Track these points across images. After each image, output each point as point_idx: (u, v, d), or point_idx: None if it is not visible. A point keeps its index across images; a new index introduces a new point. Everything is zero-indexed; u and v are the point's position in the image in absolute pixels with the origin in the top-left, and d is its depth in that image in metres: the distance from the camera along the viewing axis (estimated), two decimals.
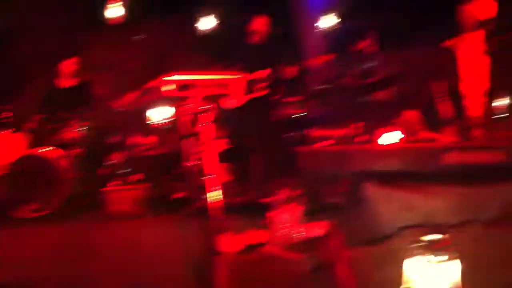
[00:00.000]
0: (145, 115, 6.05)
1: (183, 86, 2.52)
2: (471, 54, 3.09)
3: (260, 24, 5.54)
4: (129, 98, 4.35)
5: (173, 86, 2.48)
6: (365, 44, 7.09)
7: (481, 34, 3.00)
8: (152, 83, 2.54)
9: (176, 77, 2.49)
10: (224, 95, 4.37)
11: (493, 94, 3.16)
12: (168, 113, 5.78)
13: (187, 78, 2.51)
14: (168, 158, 5.69)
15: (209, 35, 7.97)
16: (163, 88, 2.45)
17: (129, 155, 5.87)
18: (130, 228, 4.32)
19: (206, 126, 2.75)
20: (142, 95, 2.77)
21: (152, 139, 6.05)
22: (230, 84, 2.71)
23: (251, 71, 5.29)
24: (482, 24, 2.98)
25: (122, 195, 5.00)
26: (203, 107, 2.67)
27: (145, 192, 5.09)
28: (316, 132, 2.72)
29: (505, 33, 3.07)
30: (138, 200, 4.98)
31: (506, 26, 3.05)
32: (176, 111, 5.66)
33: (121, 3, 7.58)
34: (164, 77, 2.47)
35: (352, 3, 7.74)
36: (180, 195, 5.22)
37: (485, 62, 3.09)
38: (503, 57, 3.08)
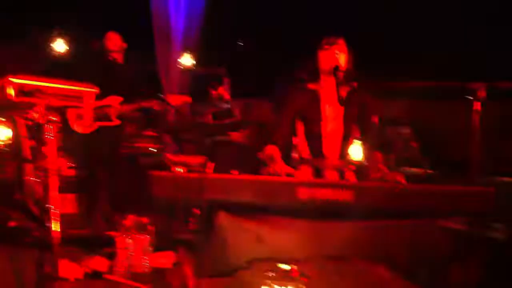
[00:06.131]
0: None
1: (27, 92, 2.21)
2: (328, 99, 3.22)
3: (114, 41, 5.23)
4: None
5: (12, 91, 2.16)
6: (222, 88, 7.24)
7: (333, 80, 3.14)
8: None
9: (18, 80, 2.17)
10: (73, 107, 4.06)
11: (347, 138, 3.29)
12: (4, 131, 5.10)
13: (32, 83, 2.22)
14: (3, 184, 5.14)
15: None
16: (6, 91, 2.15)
17: None
18: None
19: (50, 143, 2.46)
20: None
21: None
22: (82, 96, 2.48)
23: (106, 92, 4.95)
24: (334, 71, 3.13)
25: None
26: (48, 119, 2.36)
27: None
28: (171, 158, 2.60)
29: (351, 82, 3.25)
30: None
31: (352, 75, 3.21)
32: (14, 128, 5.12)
33: None
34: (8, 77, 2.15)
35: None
36: (16, 223, 4.74)
37: (339, 108, 3.22)
38: (351, 104, 3.25)
